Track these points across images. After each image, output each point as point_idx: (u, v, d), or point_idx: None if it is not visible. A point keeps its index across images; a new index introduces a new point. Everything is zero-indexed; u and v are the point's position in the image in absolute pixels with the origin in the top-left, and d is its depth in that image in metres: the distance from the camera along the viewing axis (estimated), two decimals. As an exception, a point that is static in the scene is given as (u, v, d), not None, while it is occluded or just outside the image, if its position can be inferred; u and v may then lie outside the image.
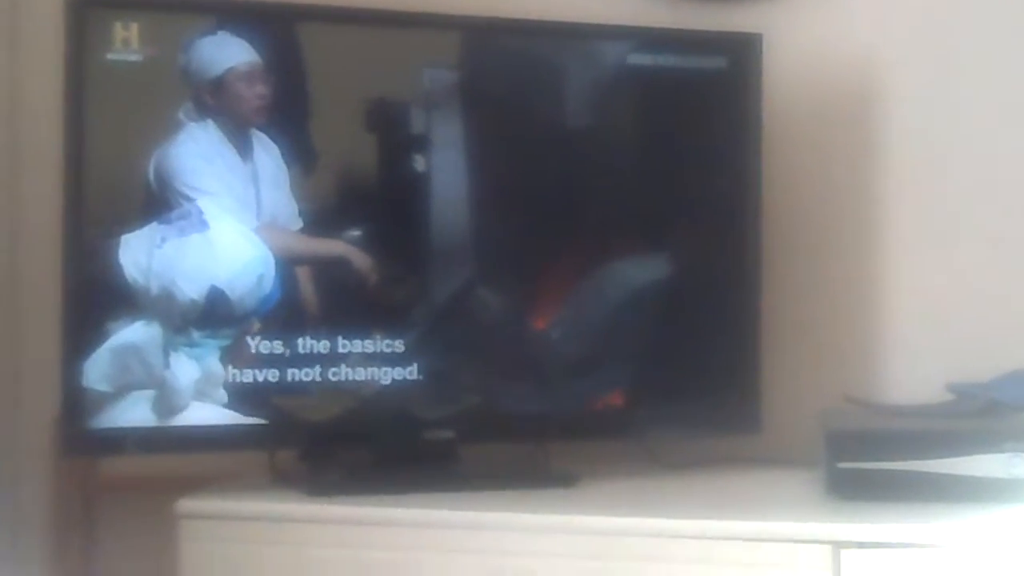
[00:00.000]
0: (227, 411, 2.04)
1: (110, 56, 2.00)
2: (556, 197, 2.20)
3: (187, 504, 1.98)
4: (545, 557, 1.91)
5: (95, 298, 2.01)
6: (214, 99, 2.05)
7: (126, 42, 2.01)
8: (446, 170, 2.14)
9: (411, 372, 2.10)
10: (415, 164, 2.13)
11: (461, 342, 2.15)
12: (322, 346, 2.07)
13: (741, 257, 2.24)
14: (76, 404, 1.99)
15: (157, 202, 2.02)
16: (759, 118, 2.25)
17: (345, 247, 2.10)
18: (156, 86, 2.03)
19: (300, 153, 2.09)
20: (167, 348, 2.02)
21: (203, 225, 2.03)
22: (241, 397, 2.04)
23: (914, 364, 2.32)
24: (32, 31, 2.41)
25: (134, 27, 2.00)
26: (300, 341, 2.07)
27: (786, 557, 1.85)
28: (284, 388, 2.06)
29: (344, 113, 2.11)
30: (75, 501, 2.37)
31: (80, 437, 2.01)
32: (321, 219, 2.10)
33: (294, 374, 2.06)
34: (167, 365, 2.02)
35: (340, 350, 2.08)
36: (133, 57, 2.01)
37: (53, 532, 2.38)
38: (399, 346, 2.10)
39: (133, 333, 2.01)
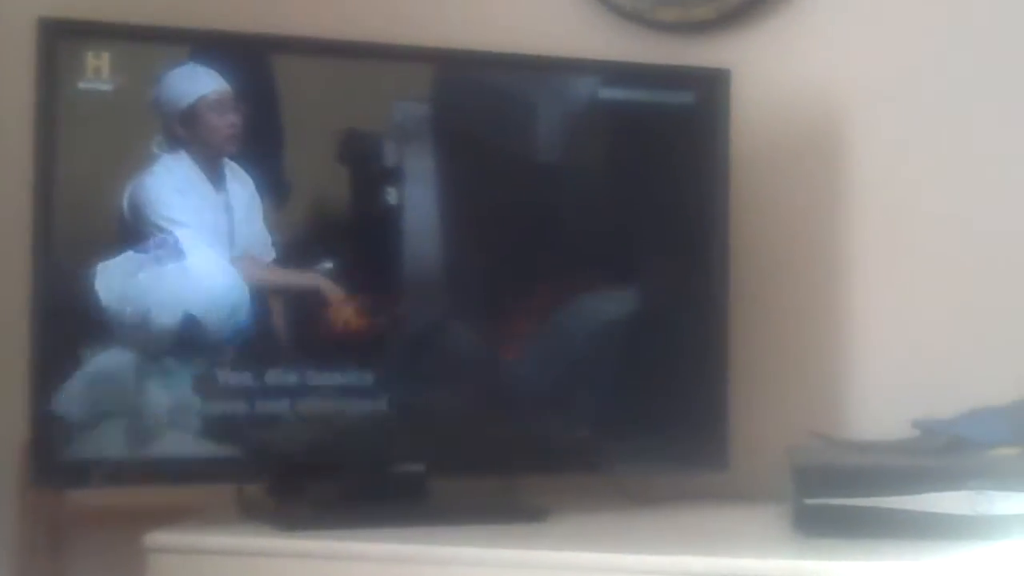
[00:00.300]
0: (198, 442, 2.03)
1: (81, 85, 1.99)
2: (526, 231, 2.21)
3: (156, 537, 1.96)
4: (513, 592, 1.92)
5: (65, 325, 1.99)
6: (185, 130, 2.05)
7: (98, 71, 2.00)
8: (418, 203, 2.14)
9: (381, 405, 2.10)
10: (387, 197, 2.13)
11: (431, 375, 2.16)
12: (292, 378, 2.07)
13: (708, 293, 2.25)
14: (45, 432, 1.97)
15: (130, 231, 2.02)
16: (727, 153, 2.26)
17: (317, 279, 2.10)
18: (127, 115, 2.02)
19: (273, 184, 2.08)
20: (139, 376, 2.01)
21: (180, 254, 2.03)
22: (212, 428, 2.03)
23: (880, 400, 2.34)
24: (2, 58, 2.39)
25: (105, 56, 2.00)
26: (271, 373, 2.06)
27: (754, 594, 1.86)
28: (254, 419, 2.05)
29: (316, 145, 2.11)
30: (41, 532, 2.35)
31: (49, 467, 2.00)
32: (294, 251, 2.10)
33: (264, 406, 2.06)
34: (139, 393, 2.01)
35: (310, 382, 2.08)
36: (104, 86, 2.00)
37: (18, 563, 2.35)
38: (369, 379, 2.10)
39: (105, 361, 2.00)
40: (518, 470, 2.19)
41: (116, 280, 2.00)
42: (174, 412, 2.02)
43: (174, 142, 2.04)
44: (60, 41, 1.99)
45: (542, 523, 2.09)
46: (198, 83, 2.06)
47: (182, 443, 2.03)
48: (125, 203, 2.01)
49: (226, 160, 2.07)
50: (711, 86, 2.26)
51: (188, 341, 2.03)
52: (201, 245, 2.04)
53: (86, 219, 2.02)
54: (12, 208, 2.20)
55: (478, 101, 2.20)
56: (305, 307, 2.09)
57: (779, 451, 2.16)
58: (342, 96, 2.13)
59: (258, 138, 2.08)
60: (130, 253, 2.01)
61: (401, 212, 2.13)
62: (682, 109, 2.26)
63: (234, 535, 1.99)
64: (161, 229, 2.02)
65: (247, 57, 2.10)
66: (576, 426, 2.20)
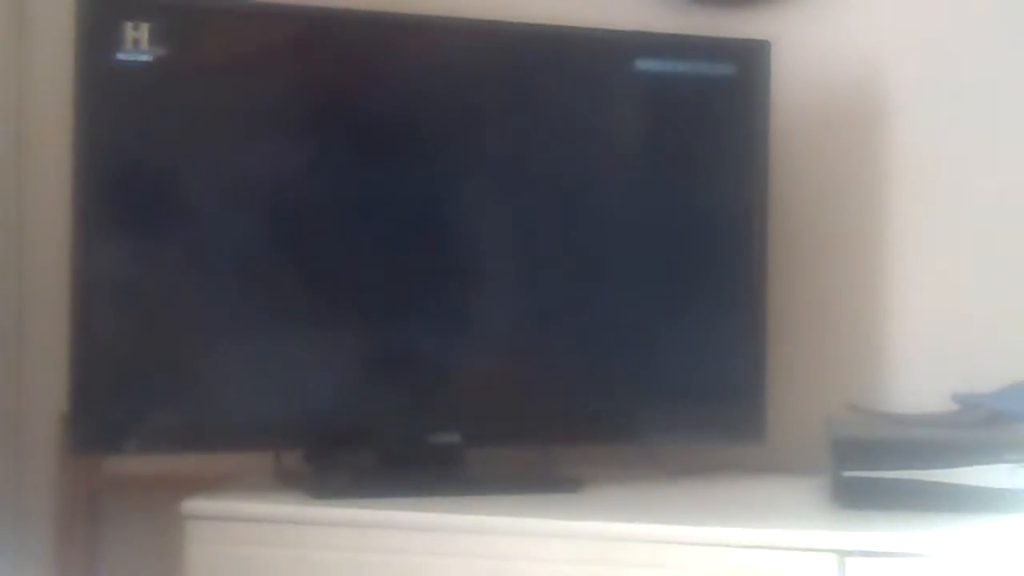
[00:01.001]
0: (234, 410, 2.05)
1: (120, 56, 2.00)
2: (563, 201, 2.20)
3: (192, 504, 1.98)
4: (549, 562, 1.91)
5: (103, 297, 2.01)
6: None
7: (136, 42, 2.00)
8: (456, 174, 2.14)
9: (417, 375, 2.11)
10: (426, 168, 2.13)
11: (468, 345, 2.16)
12: (329, 347, 2.08)
13: (746, 264, 2.24)
14: (83, 401, 1.99)
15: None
16: (766, 125, 2.25)
17: None
18: (167, 86, 2.03)
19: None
20: (175, 345, 2.03)
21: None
22: (248, 396, 2.05)
23: (918, 373, 2.33)
24: (41, 31, 2.41)
25: (144, 28, 2.00)
26: (307, 342, 2.07)
27: (791, 565, 1.85)
28: (291, 387, 2.06)
29: (352, 116, 2.12)
30: (80, 499, 2.37)
31: (87, 434, 2.01)
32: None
33: (301, 374, 2.06)
34: (175, 361, 2.03)
35: (347, 352, 2.09)
36: (144, 57, 2.01)
37: (57, 530, 2.38)
38: (405, 348, 2.11)
39: (141, 329, 2.03)
40: (553, 440, 2.20)
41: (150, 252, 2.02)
42: (210, 379, 2.03)
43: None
44: (98, 13, 2.00)
45: (577, 493, 2.09)
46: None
47: (218, 410, 2.05)
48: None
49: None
50: (751, 58, 2.25)
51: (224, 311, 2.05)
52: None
53: (126, 191, 2.02)
54: (52, 181, 2.22)
55: (512, 71, 2.19)
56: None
57: (816, 423, 2.16)
58: (380, 67, 2.13)
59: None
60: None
61: (439, 185, 2.13)
62: (722, 81, 2.25)
63: (270, 503, 1.99)
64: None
65: (286, 28, 2.10)
66: (612, 397, 2.20)
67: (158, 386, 2.03)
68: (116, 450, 2.14)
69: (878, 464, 1.97)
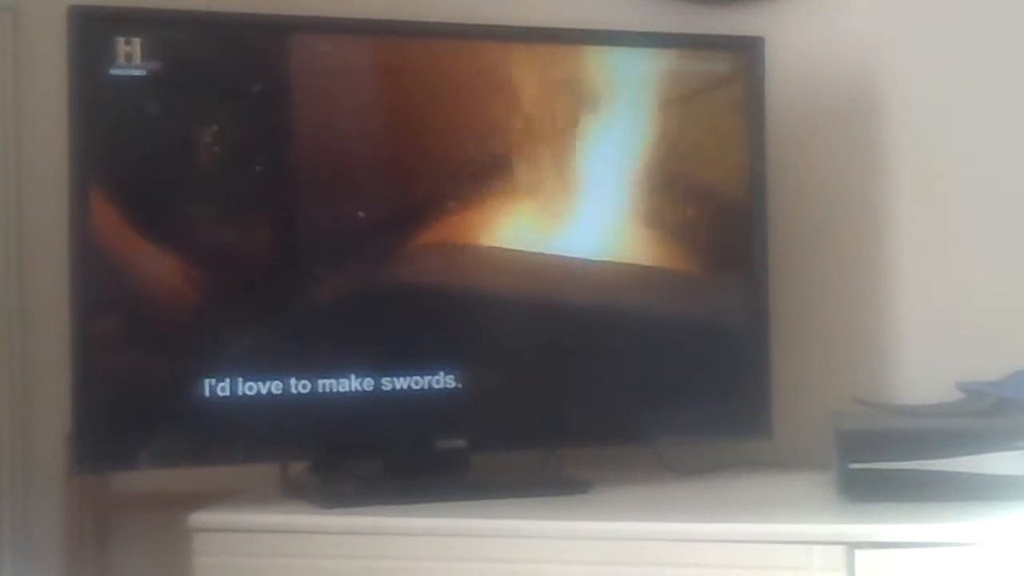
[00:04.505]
0: (240, 423, 2.04)
1: (113, 71, 2.00)
2: (562, 197, 2.20)
3: (200, 518, 1.97)
4: (559, 564, 1.91)
5: (104, 314, 2.00)
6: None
7: (129, 57, 2.00)
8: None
9: (422, 382, 2.11)
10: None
11: (472, 350, 2.15)
12: (334, 357, 2.08)
13: (748, 262, 2.24)
14: (86, 419, 1.98)
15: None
16: (762, 120, 2.24)
17: None
18: (160, 100, 2.03)
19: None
20: (178, 360, 2.03)
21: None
22: (254, 408, 2.04)
23: (923, 364, 2.33)
24: (35, 46, 2.41)
25: (137, 42, 2.00)
26: (311, 351, 2.07)
27: (800, 558, 1.85)
28: (296, 399, 2.05)
29: (347, 128, 2.12)
30: (88, 518, 2.37)
31: (91, 452, 2.01)
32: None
33: (306, 385, 2.06)
34: (178, 376, 2.03)
35: (351, 361, 2.08)
36: (137, 72, 2.01)
37: (66, 549, 2.37)
38: (410, 355, 2.11)
39: (143, 346, 2.02)
40: (560, 443, 2.19)
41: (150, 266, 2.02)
42: (215, 392, 2.03)
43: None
44: (91, 28, 2.00)
45: (586, 495, 2.09)
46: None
47: (224, 423, 2.04)
48: (158, 187, 2.03)
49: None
50: (745, 54, 2.25)
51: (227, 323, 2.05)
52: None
53: (123, 205, 2.02)
54: (48, 198, 2.23)
55: (510, 75, 2.19)
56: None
57: (822, 418, 2.15)
58: (373, 77, 2.13)
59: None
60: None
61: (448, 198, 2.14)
62: (717, 77, 2.24)
63: (278, 513, 1.99)
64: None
65: (277, 40, 2.10)
66: (618, 398, 2.20)
67: (161, 401, 2.02)
68: (119, 467, 2.14)
69: (884, 456, 1.97)
